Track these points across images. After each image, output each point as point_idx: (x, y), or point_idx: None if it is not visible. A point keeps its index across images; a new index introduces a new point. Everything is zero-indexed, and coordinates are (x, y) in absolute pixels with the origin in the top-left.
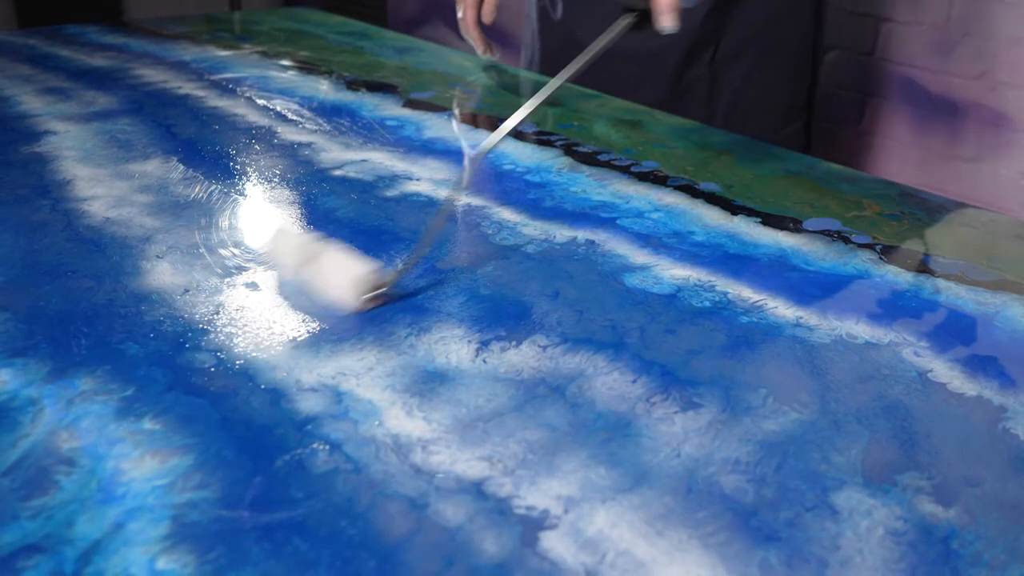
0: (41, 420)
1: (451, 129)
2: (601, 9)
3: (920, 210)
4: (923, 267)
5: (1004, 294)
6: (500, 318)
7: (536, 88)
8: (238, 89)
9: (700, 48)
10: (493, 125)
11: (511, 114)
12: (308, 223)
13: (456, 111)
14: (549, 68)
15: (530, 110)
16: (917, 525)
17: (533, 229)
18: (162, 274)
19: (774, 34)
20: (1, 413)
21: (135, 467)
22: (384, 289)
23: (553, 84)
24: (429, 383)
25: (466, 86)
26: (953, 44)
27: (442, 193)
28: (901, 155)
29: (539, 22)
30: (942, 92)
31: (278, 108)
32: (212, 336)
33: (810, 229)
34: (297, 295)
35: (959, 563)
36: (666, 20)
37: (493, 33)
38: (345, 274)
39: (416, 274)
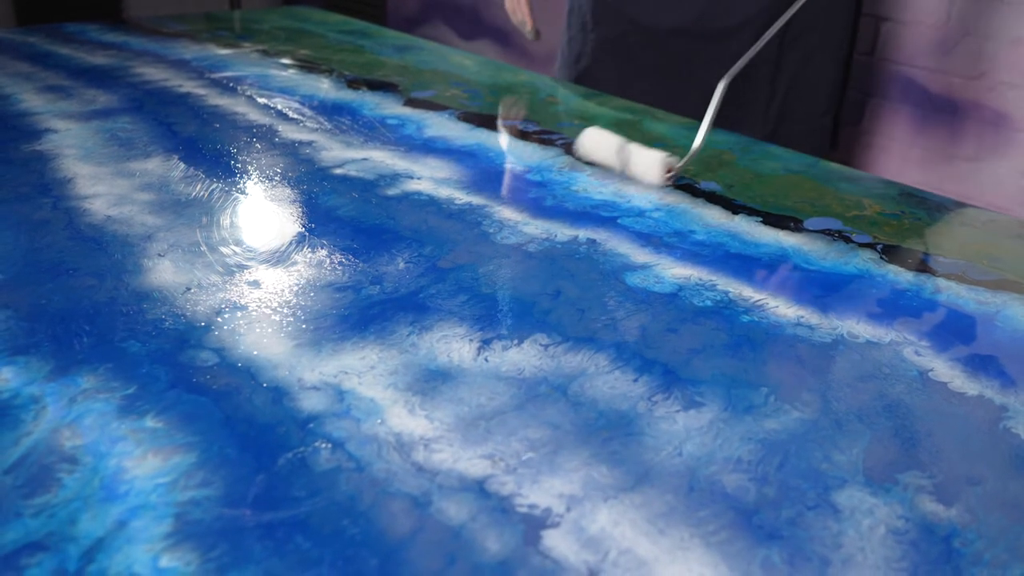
0: (43, 418)
1: (451, 128)
2: None
3: (920, 210)
4: (924, 266)
5: (1004, 293)
6: (502, 317)
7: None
8: (239, 88)
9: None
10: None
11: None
12: (310, 221)
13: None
14: (608, 56)
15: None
16: (918, 524)
17: (534, 228)
18: (163, 272)
19: (827, 21)
20: (3, 411)
21: (137, 465)
22: (678, 171)
23: (754, 49)
24: (431, 382)
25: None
26: (953, 44)
27: (443, 192)
28: (901, 154)
29: (592, 12)
30: (942, 92)
31: (279, 107)
32: (214, 334)
33: (811, 228)
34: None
35: (960, 562)
36: None
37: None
38: (650, 158)
39: (417, 272)
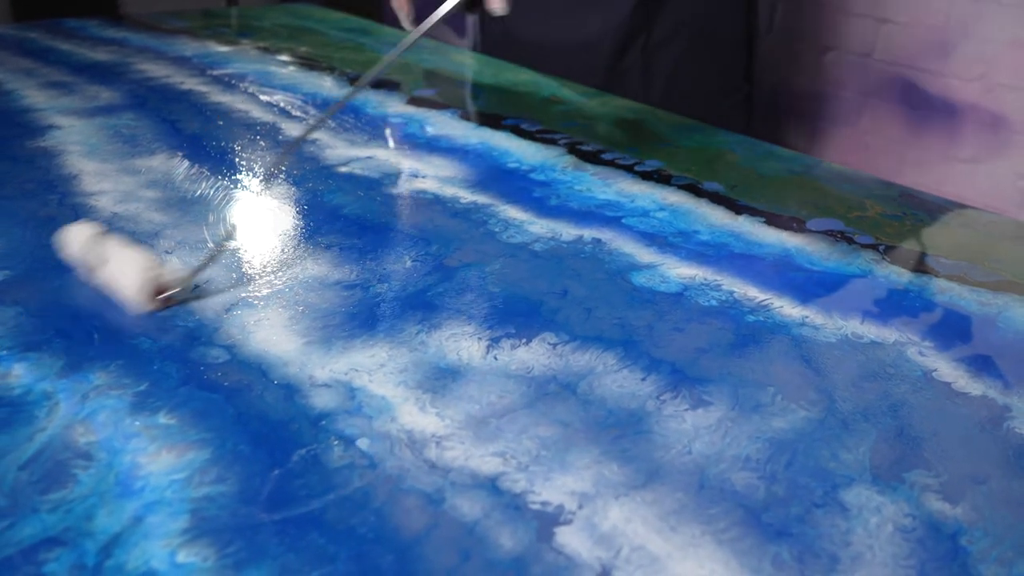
0: (56, 414)
1: (454, 127)
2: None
3: (921, 211)
4: (926, 267)
5: (1006, 295)
6: (510, 315)
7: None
8: (240, 85)
9: (632, 37)
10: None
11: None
12: (316, 219)
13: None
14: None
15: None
16: (925, 522)
17: (540, 227)
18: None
19: (705, 17)
20: (17, 407)
21: (152, 461)
22: (175, 292)
23: (383, 62)
24: (441, 379)
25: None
26: (952, 46)
27: (448, 191)
28: (899, 156)
29: (479, 18)
30: (940, 93)
31: (281, 104)
32: (223, 331)
33: (813, 229)
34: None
35: (967, 559)
36: (495, 3)
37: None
38: (135, 276)
39: (424, 271)
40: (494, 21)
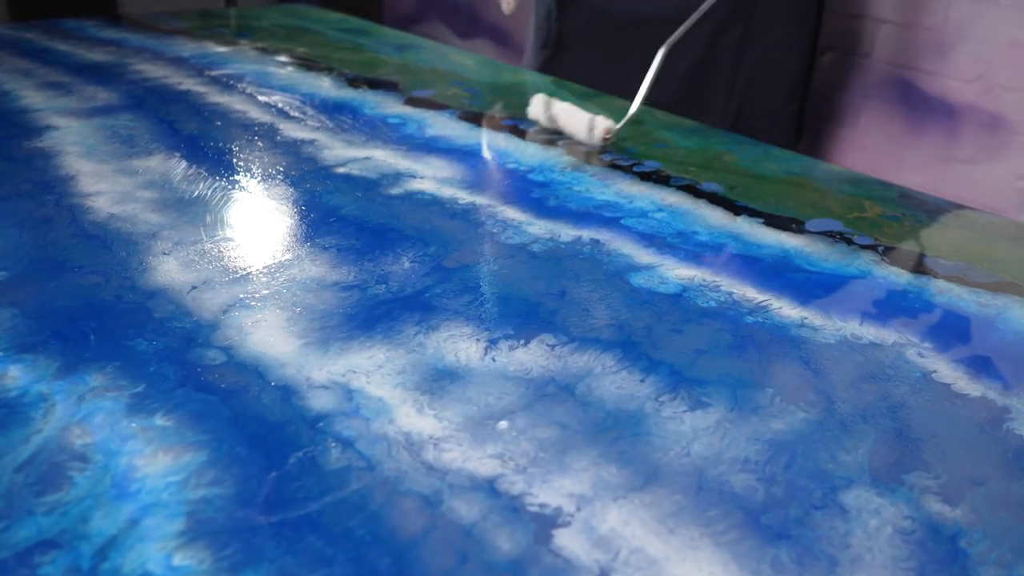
0: (52, 416)
1: (453, 127)
2: None
3: (920, 212)
4: (925, 268)
5: (1005, 296)
6: (508, 317)
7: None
8: (238, 85)
9: (733, 20)
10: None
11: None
12: (313, 220)
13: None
14: (574, 44)
15: (652, 76)
16: (925, 524)
17: (538, 228)
18: (169, 271)
19: (787, 16)
20: (12, 409)
21: (148, 463)
22: (615, 133)
23: (661, 52)
24: (439, 381)
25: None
26: (950, 46)
27: (447, 192)
28: (897, 157)
29: (556, 0)
30: (939, 94)
31: (279, 105)
32: (221, 332)
33: (812, 230)
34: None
35: (967, 561)
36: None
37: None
38: (589, 121)
39: (422, 272)
40: (577, 7)
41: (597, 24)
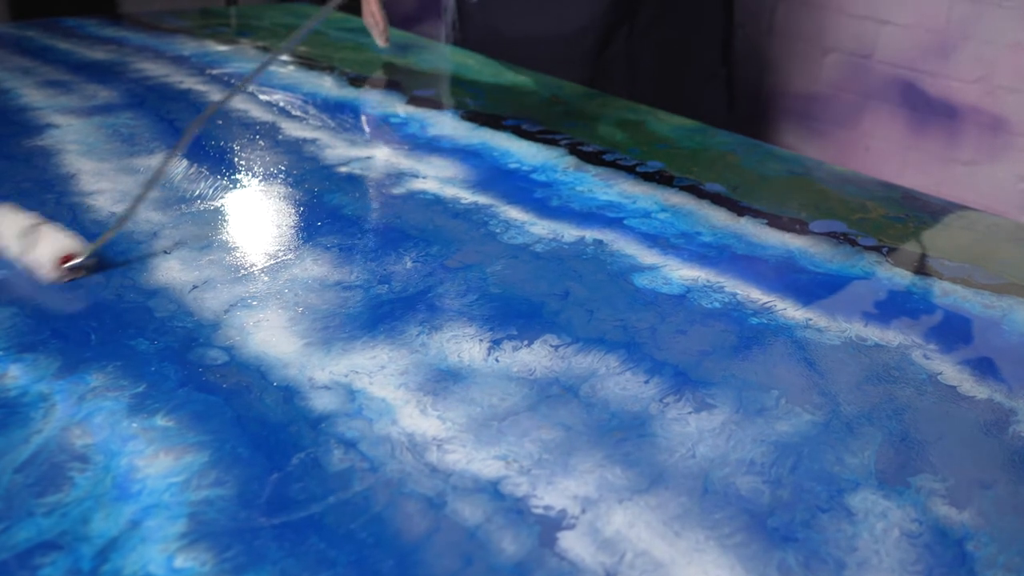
0: (53, 416)
1: (455, 127)
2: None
3: (924, 213)
4: (929, 270)
5: (1010, 297)
6: (511, 317)
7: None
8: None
9: (615, 28)
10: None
11: None
12: (315, 219)
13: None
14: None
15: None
16: (932, 527)
17: (541, 228)
18: (170, 270)
19: (676, 6)
20: (12, 408)
21: (150, 464)
22: (81, 260)
23: (266, 62)
24: (442, 382)
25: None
26: (952, 48)
27: (449, 191)
28: (899, 158)
29: (457, 15)
30: (941, 95)
31: (281, 104)
32: (222, 332)
33: (816, 231)
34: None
35: (975, 565)
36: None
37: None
38: (43, 246)
39: (425, 272)
40: (475, 17)
41: (491, 42)
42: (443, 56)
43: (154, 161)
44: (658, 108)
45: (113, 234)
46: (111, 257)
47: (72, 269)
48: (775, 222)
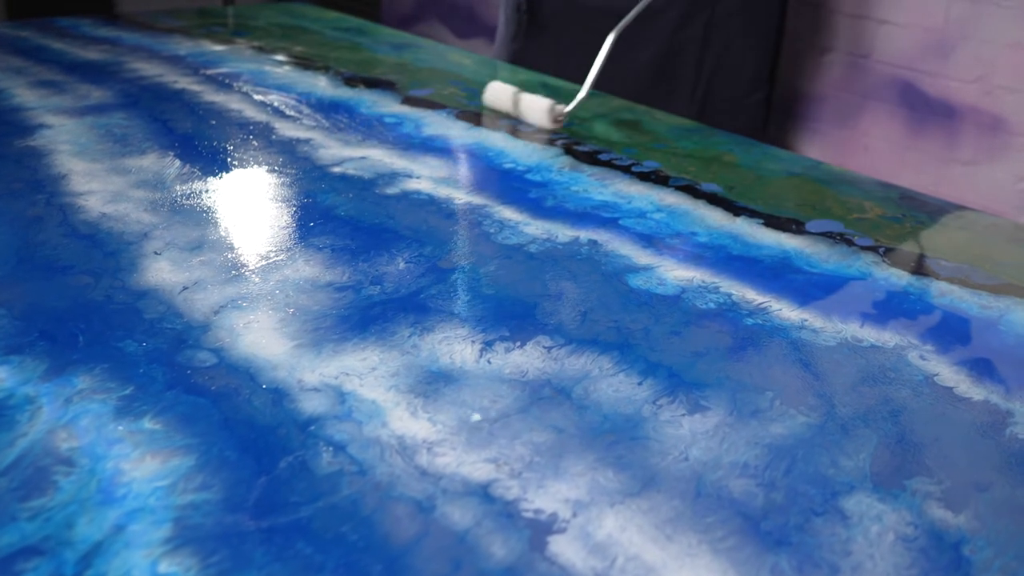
0: (39, 419)
1: (450, 127)
2: None
3: (921, 213)
4: (926, 270)
5: (1007, 298)
6: (504, 318)
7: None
8: (234, 84)
9: (696, 11)
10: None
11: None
12: (308, 220)
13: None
14: (542, 36)
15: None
16: (927, 531)
17: (535, 228)
18: (160, 271)
19: (751, 7)
20: None
21: (135, 467)
22: (566, 116)
23: (611, 38)
24: (433, 384)
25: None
26: (951, 47)
27: (443, 192)
28: (898, 158)
29: None
30: (939, 95)
31: (275, 104)
32: (212, 334)
33: (812, 231)
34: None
35: (971, 569)
36: None
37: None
38: (540, 104)
39: (417, 273)
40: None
41: (566, 15)
42: (440, 55)
43: (146, 162)
44: (705, 118)
45: (583, 98)
46: (100, 258)
47: (558, 120)
48: (771, 222)
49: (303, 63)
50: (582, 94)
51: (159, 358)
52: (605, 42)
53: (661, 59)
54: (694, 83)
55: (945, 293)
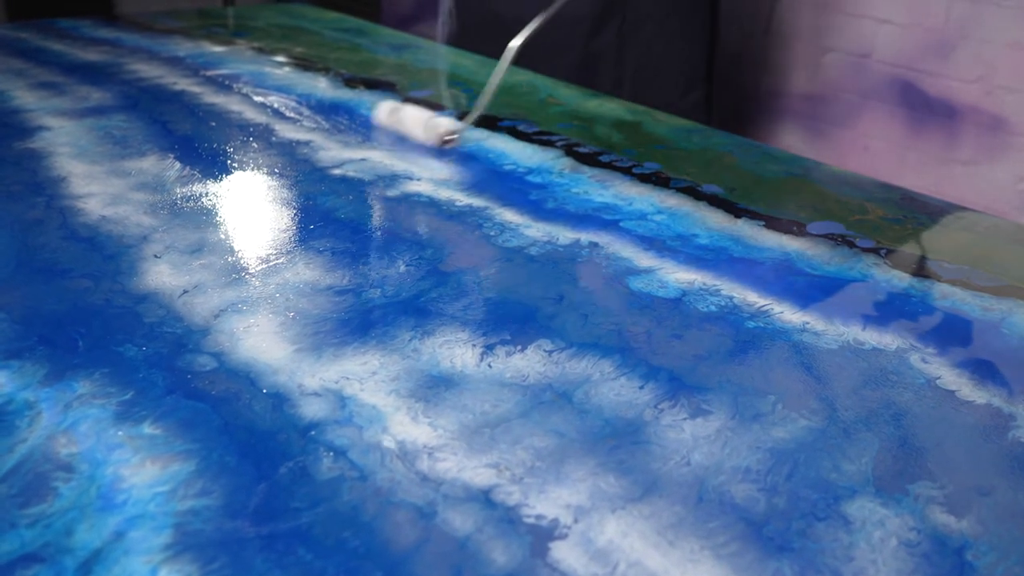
0: (38, 424)
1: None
2: None
3: (922, 214)
4: (928, 272)
5: (1009, 300)
6: (504, 322)
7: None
8: (234, 85)
9: (608, 17)
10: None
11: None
12: (308, 222)
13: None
14: (473, 42)
15: (498, 78)
16: (930, 536)
17: (536, 231)
18: (160, 274)
19: (671, 5)
20: None
21: (135, 473)
22: (457, 134)
23: (505, 58)
24: (434, 388)
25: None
26: (951, 47)
27: (443, 194)
28: (898, 158)
29: (455, 2)
30: (939, 95)
31: (275, 105)
32: (212, 338)
33: (814, 233)
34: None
35: (974, 574)
36: None
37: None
38: (426, 121)
39: (418, 276)
40: (470, 9)
41: (489, 26)
42: (440, 56)
43: (146, 164)
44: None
45: (478, 113)
46: (100, 261)
47: (447, 141)
48: (773, 224)
49: (303, 64)
50: (476, 112)
51: (159, 362)
52: (505, 55)
53: (579, 68)
54: (615, 88)
55: (947, 295)
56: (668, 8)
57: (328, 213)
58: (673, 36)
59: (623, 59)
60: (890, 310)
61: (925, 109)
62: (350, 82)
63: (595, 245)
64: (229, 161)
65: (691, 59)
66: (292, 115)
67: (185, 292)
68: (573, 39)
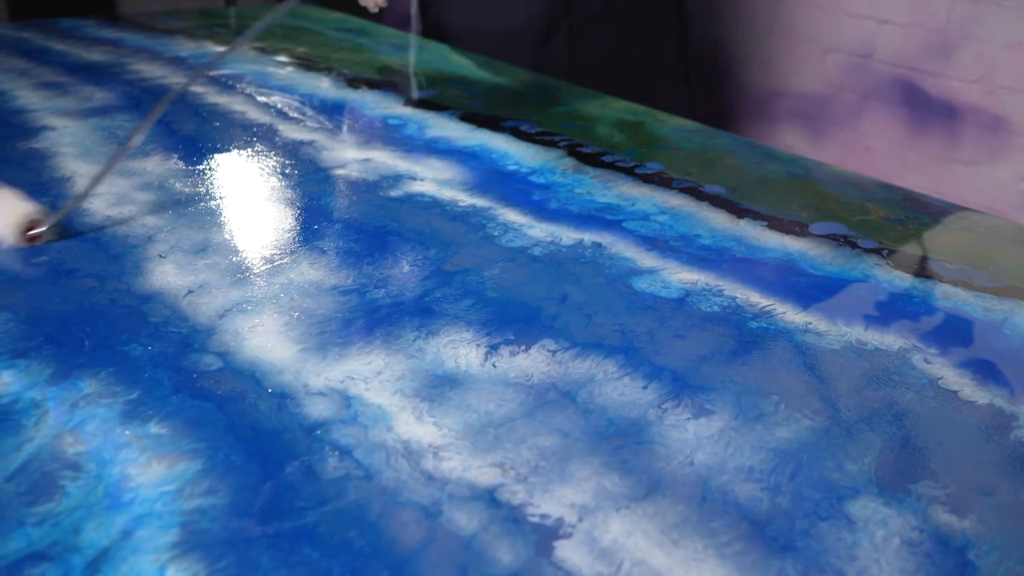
0: (45, 423)
1: (453, 128)
2: None
3: (924, 214)
4: (930, 272)
5: (1011, 300)
6: (508, 321)
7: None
8: (237, 85)
9: (556, 19)
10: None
11: None
12: (312, 223)
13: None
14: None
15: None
16: (933, 535)
17: (539, 231)
18: (165, 274)
19: (625, 5)
20: (4, 416)
21: (142, 472)
22: (44, 229)
23: (215, 60)
24: (439, 387)
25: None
26: (952, 48)
27: (447, 194)
28: (899, 158)
29: (419, 4)
30: (941, 95)
31: (278, 105)
32: (217, 338)
33: (816, 233)
34: None
35: (976, 574)
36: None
37: None
38: (5, 215)
39: (422, 276)
40: (430, 9)
41: (464, 34)
42: (442, 56)
43: (150, 164)
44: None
45: (73, 207)
46: (105, 261)
47: (32, 238)
48: (775, 224)
49: (306, 64)
50: (72, 204)
51: (165, 362)
52: (116, 153)
53: (534, 74)
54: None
55: (949, 296)
56: (621, 7)
57: (332, 213)
58: (635, 28)
59: (577, 59)
60: (892, 310)
61: (926, 109)
62: (353, 82)
63: (598, 245)
64: (233, 161)
65: (660, 45)
66: (295, 115)
67: (190, 292)
68: (522, 50)
